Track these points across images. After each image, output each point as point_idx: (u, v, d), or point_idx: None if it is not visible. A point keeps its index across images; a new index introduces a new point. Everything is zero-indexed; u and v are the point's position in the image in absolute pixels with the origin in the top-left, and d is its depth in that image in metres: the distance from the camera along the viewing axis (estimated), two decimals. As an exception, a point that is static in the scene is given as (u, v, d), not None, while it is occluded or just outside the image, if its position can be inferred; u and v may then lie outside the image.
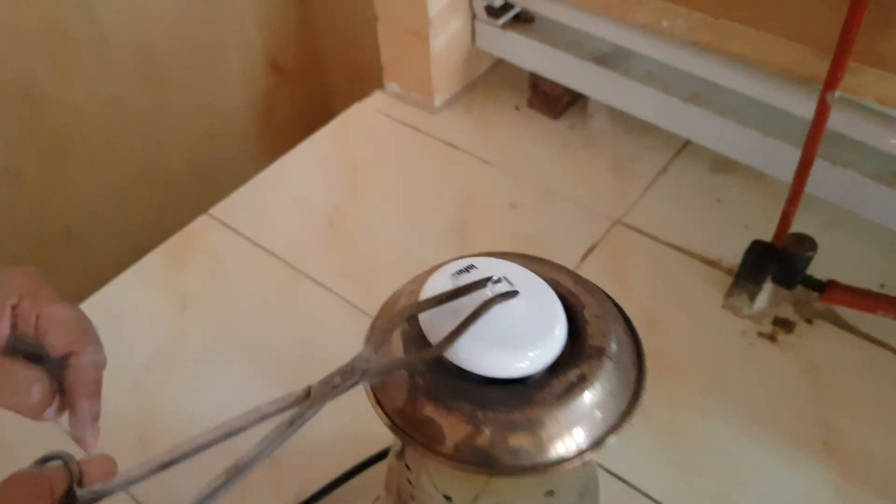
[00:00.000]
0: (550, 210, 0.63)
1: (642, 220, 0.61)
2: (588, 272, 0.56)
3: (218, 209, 0.65)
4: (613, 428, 0.28)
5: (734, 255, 0.56)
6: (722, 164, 0.65)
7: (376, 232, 0.63)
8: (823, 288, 0.50)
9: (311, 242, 0.62)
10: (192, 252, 0.62)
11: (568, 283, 0.31)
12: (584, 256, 0.59)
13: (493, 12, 0.67)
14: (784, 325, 0.54)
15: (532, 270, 0.30)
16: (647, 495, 0.46)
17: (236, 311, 0.58)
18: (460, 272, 0.30)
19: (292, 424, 0.27)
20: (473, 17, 0.68)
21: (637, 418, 0.28)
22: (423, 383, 0.28)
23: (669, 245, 0.59)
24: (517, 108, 0.72)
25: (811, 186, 0.50)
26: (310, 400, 0.27)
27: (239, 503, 0.31)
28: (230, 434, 0.27)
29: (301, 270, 0.60)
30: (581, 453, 0.27)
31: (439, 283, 0.29)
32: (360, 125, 0.73)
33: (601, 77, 0.63)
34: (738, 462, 0.47)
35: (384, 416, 0.28)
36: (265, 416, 0.27)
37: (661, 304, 0.55)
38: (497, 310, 0.28)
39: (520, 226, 0.62)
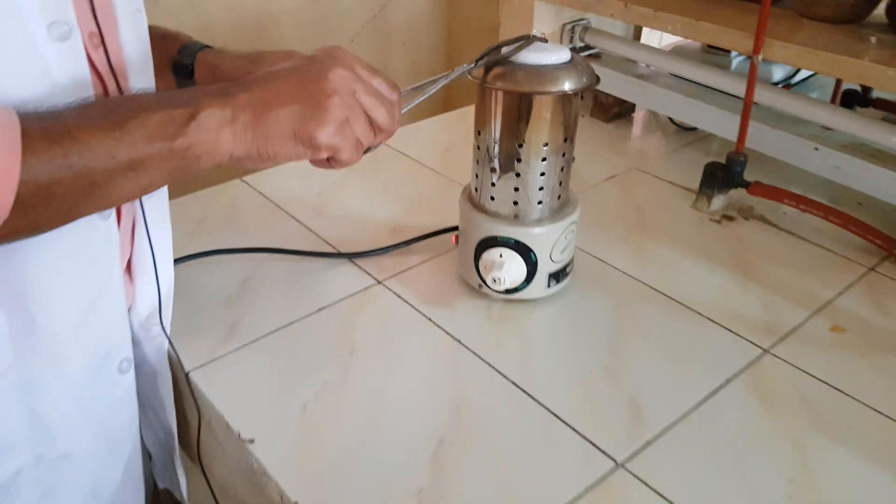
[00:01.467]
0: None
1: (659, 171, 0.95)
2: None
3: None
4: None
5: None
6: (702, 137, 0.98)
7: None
8: (748, 185, 0.81)
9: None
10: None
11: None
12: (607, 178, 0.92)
13: (577, 51, 1.06)
14: (728, 218, 0.84)
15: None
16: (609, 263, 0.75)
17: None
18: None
19: (447, 77, 0.61)
20: (563, 52, 1.07)
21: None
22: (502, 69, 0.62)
23: (670, 182, 0.92)
24: (582, 115, 1.08)
25: (753, 143, 0.83)
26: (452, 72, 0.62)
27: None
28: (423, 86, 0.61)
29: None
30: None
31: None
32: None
33: (636, 86, 0.99)
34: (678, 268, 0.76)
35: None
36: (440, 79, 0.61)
37: (656, 207, 0.87)
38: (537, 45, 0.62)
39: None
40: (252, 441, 0.56)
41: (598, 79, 0.62)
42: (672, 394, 0.60)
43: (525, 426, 0.58)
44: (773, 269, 0.76)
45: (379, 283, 0.74)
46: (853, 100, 0.99)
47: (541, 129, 0.62)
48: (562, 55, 0.61)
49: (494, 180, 0.65)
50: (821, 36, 0.79)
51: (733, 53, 1.02)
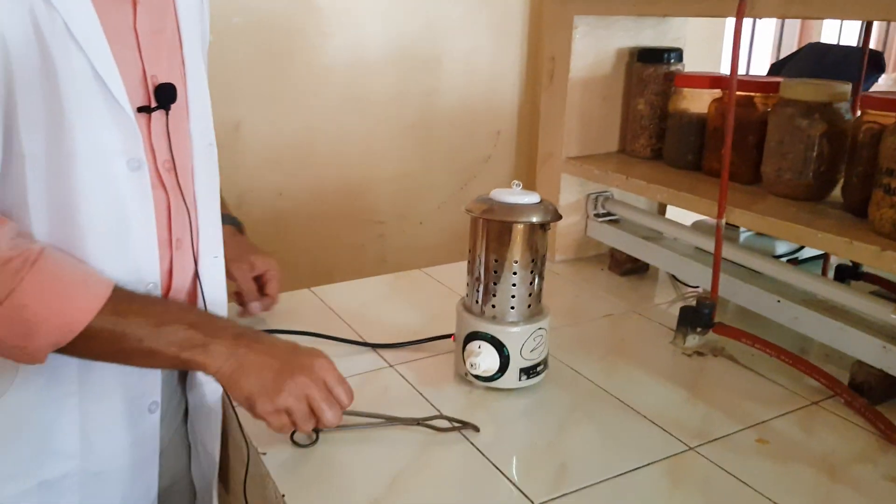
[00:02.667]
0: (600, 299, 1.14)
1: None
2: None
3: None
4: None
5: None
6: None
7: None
8: (714, 325, 0.95)
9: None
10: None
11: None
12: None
13: (599, 216, 1.25)
14: (699, 354, 0.97)
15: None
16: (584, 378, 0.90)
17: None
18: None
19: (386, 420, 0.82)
20: (587, 217, 1.27)
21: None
22: (489, 210, 0.83)
23: (659, 323, 1.06)
24: (601, 269, 1.26)
25: (729, 294, 0.98)
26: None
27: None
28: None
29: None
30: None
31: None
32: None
33: (644, 246, 1.16)
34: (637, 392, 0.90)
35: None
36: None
37: (639, 340, 1.01)
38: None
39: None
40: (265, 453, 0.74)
41: (558, 216, 0.82)
42: (597, 465, 0.73)
43: (470, 474, 0.72)
44: (723, 393, 0.88)
45: (390, 366, 0.92)
46: (846, 274, 1.12)
47: (512, 250, 0.82)
48: (533, 198, 0.82)
49: (478, 288, 0.84)
50: (779, 208, 0.95)
51: (741, 229, 1.19)
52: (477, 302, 0.85)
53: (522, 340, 0.84)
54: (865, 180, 0.89)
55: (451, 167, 1.96)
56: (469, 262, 0.86)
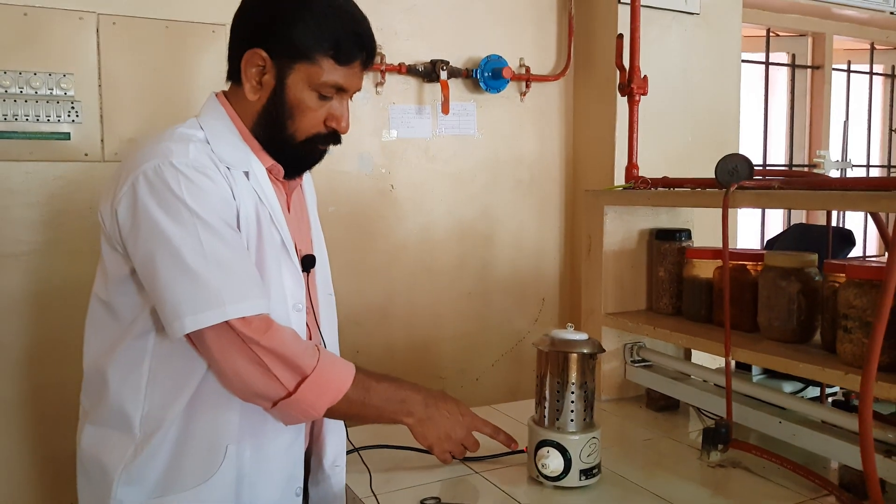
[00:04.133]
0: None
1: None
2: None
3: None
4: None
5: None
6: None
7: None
8: (730, 441, 1.20)
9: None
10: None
11: (598, 349, 1.15)
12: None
13: (635, 362, 1.53)
14: (722, 467, 1.21)
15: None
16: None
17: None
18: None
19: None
20: (625, 363, 1.55)
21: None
22: (551, 347, 1.13)
23: (689, 446, 1.31)
24: (640, 406, 1.52)
25: (741, 419, 1.24)
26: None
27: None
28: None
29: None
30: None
31: (563, 335, 1.16)
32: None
33: (674, 385, 1.43)
34: None
35: (540, 355, 1.14)
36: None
37: (673, 456, 1.26)
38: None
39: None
40: (389, 526, 1.00)
41: (602, 349, 1.12)
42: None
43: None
44: (742, 492, 1.12)
45: (476, 473, 1.18)
46: (840, 406, 1.37)
47: (570, 374, 1.11)
48: (583, 336, 1.13)
49: (545, 405, 1.13)
50: (773, 348, 1.24)
51: (753, 371, 1.47)
52: (544, 417, 1.13)
53: (581, 446, 1.10)
54: (832, 324, 1.18)
55: (504, 330, 2.28)
56: (538, 385, 1.15)
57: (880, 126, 3.19)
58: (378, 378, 1.09)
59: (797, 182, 1.27)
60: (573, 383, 1.12)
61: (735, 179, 1.25)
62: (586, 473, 1.11)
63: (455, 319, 2.19)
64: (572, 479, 1.10)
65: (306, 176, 1.18)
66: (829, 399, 1.40)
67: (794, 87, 2.83)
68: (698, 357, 1.68)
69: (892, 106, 3.15)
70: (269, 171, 1.07)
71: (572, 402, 1.11)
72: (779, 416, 1.23)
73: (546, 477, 1.11)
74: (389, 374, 1.12)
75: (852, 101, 3.00)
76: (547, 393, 1.13)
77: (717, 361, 1.45)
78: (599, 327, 1.53)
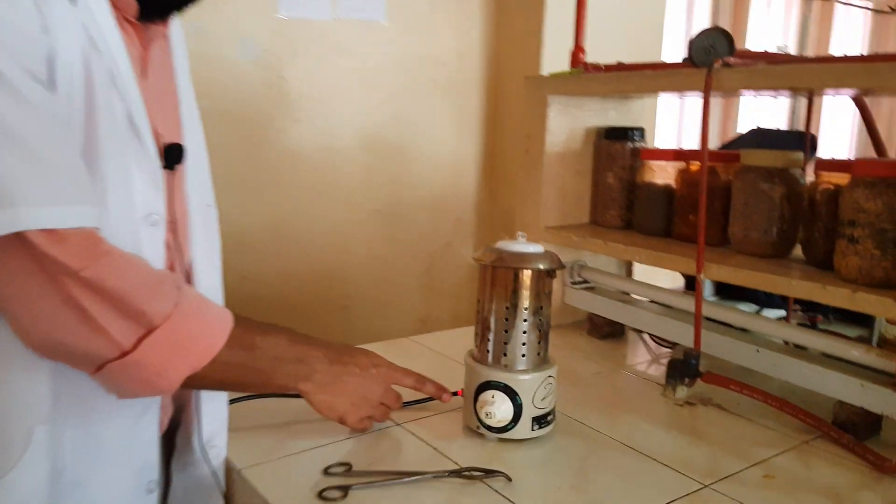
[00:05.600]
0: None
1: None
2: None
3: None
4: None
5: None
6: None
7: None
8: (702, 374, 1.00)
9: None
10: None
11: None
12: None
13: (576, 284, 1.32)
14: (690, 404, 1.02)
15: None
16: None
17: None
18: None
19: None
20: (564, 285, 1.33)
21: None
22: (497, 264, 0.88)
23: (646, 379, 1.11)
24: (581, 333, 1.31)
25: (711, 350, 1.04)
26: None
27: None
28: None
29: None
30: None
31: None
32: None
33: (622, 309, 1.22)
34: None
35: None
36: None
37: (633, 394, 1.05)
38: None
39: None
40: (286, 506, 0.73)
41: (562, 265, 0.87)
42: None
43: (499, 513, 0.73)
44: (720, 436, 0.92)
45: (398, 424, 0.93)
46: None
47: (522, 297, 0.86)
48: (538, 248, 0.87)
49: (489, 337, 0.88)
50: (751, 263, 1.03)
51: (706, 291, 1.28)
52: (487, 352, 0.88)
53: (534, 388, 0.87)
54: (827, 235, 0.99)
55: (416, 253, 2.01)
56: (478, 312, 0.90)
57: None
58: (264, 330, 0.79)
59: (781, 61, 1.05)
60: (526, 309, 0.87)
61: (713, 59, 1.01)
62: (539, 421, 0.88)
63: (361, 241, 1.91)
64: (523, 429, 0.87)
65: (175, 27, 0.81)
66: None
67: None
68: (641, 277, 1.48)
69: None
70: (114, 4, 0.69)
71: (524, 332, 0.87)
72: (754, 344, 1.04)
73: (490, 428, 0.87)
74: (277, 325, 0.82)
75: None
76: (492, 322, 0.88)
77: (658, 281, 1.25)
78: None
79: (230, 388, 0.82)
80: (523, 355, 0.87)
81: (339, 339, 1.91)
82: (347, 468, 0.81)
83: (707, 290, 1.31)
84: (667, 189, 1.21)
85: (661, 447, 0.89)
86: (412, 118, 1.91)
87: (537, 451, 0.87)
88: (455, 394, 0.95)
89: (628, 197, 1.28)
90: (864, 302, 0.87)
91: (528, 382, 0.86)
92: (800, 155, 1.06)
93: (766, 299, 1.31)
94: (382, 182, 1.91)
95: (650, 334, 1.26)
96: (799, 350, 1.01)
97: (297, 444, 0.87)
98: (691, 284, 1.33)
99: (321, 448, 0.86)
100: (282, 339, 0.81)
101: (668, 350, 1.25)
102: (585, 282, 1.33)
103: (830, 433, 0.91)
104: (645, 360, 1.22)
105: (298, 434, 0.89)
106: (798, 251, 1.07)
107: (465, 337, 1.29)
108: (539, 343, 0.88)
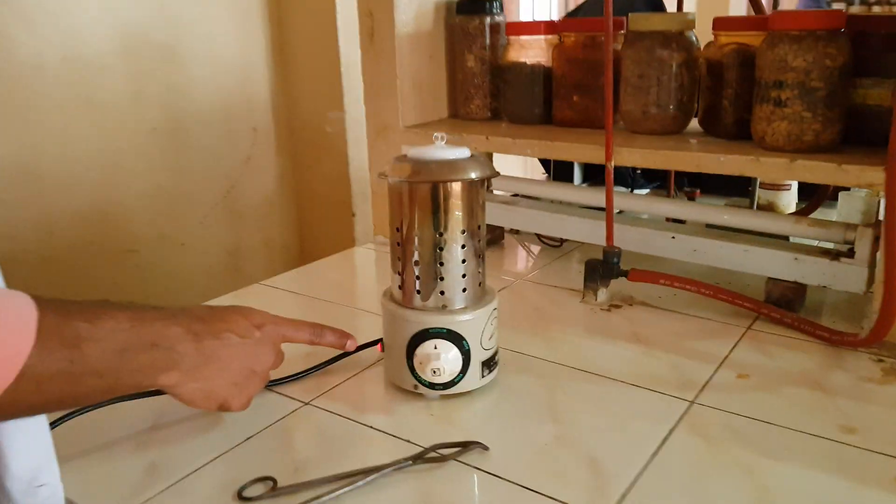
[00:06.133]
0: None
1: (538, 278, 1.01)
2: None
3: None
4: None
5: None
6: (567, 251, 1.08)
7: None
8: (627, 273, 0.89)
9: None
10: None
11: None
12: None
13: (441, 189, 1.14)
14: (616, 307, 0.91)
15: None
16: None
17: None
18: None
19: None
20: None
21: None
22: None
23: (555, 286, 0.98)
24: (457, 246, 1.15)
25: (619, 242, 0.93)
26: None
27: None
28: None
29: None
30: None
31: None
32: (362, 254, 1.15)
33: (504, 211, 1.08)
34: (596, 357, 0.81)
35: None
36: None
37: (552, 306, 0.92)
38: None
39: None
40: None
41: (496, 171, 0.69)
42: (626, 450, 0.62)
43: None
44: (668, 338, 0.83)
45: (306, 404, 0.70)
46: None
47: (456, 217, 0.66)
48: (463, 152, 0.67)
49: (417, 274, 0.67)
50: (654, 143, 0.92)
51: (576, 179, 1.17)
52: (417, 292, 0.68)
53: (481, 328, 0.69)
54: (736, 101, 0.90)
55: (210, 175, 1.69)
56: (397, 244, 0.68)
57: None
58: (92, 313, 0.52)
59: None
60: (463, 232, 0.67)
61: None
62: (488, 365, 0.71)
63: (140, 169, 1.53)
64: (472, 378, 0.69)
65: None
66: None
67: None
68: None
69: None
70: None
71: (462, 261, 0.68)
72: (669, 230, 0.95)
73: (432, 385, 0.68)
74: (109, 301, 0.55)
75: None
76: (417, 254, 0.68)
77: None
78: (398, 147, 1.08)
79: (57, 407, 0.53)
80: (464, 290, 0.68)
81: (133, 292, 1.57)
82: (271, 485, 0.58)
83: (577, 177, 1.20)
84: (540, 69, 1.06)
85: (618, 364, 0.76)
86: (181, 14, 1.54)
87: (491, 401, 0.70)
88: (366, 346, 0.75)
89: (493, 83, 1.11)
90: (803, 170, 0.80)
91: (473, 322, 0.68)
92: (693, 15, 0.95)
93: (632, 181, 1.24)
94: (155, 94, 1.53)
95: (538, 235, 1.13)
96: (720, 230, 0.93)
97: (175, 461, 0.61)
98: (560, 174, 1.22)
99: (216, 461, 0.61)
100: (121, 320, 0.53)
101: (556, 249, 1.13)
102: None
103: (772, 314, 0.85)
104: (539, 265, 1.09)
105: (170, 443, 0.63)
106: (692, 124, 0.99)
107: (332, 271, 1.08)
108: (480, 272, 0.70)
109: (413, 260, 0.67)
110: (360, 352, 0.77)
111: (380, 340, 0.73)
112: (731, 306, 0.88)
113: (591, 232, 1.00)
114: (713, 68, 0.93)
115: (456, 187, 0.66)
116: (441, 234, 0.66)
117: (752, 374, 0.74)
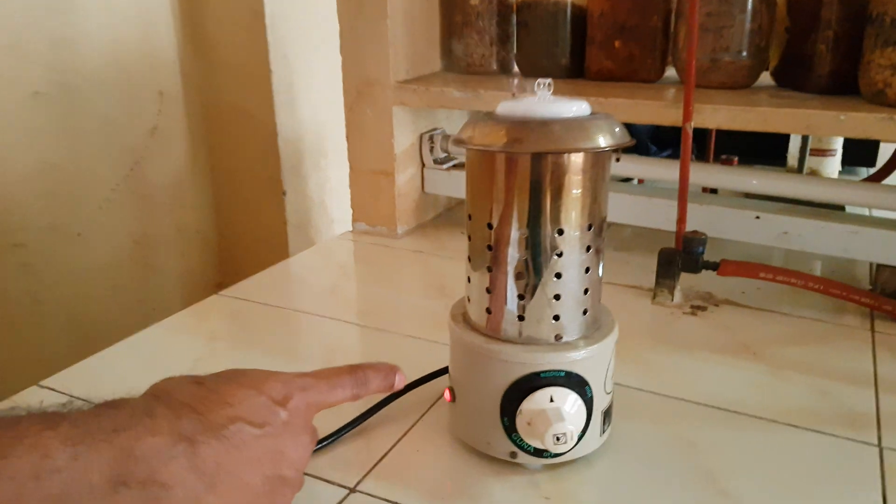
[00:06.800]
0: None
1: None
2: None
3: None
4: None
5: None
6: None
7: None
8: (717, 266, 0.70)
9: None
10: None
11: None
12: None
13: (439, 161, 0.91)
14: (700, 308, 0.72)
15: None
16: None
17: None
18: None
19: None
20: (423, 166, 0.91)
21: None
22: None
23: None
24: (462, 233, 0.93)
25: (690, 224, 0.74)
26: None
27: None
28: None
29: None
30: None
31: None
32: (339, 247, 0.90)
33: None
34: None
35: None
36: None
37: (621, 312, 0.72)
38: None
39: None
40: None
41: (630, 139, 0.47)
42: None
43: None
44: (784, 350, 0.64)
45: (352, 490, 0.47)
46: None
47: (581, 206, 0.44)
48: (581, 105, 0.45)
49: (522, 290, 0.45)
50: (736, 98, 0.73)
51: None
52: (520, 318, 0.46)
53: (606, 365, 0.47)
54: (838, 46, 0.72)
55: (110, 149, 1.37)
56: (488, 248, 0.45)
57: None
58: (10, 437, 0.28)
59: None
60: (589, 227, 0.45)
61: None
62: (606, 417, 0.50)
63: (20, 143, 1.21)
64: (591, 437, 0.48)
65: None
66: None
67: None
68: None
69: None
70: None
71: (586, 271, 0.46)
72: (751, 209, 0.76)
73: (544, 453, 0.47)
74: (31, 414, 0.30)
75: None
76: (524, 260, 0.45)
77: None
78: (389, 111, 0.84)
79: None
80: (585, 311, 0.46)
81: (19, 295, 1.25)
82: None
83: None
84: (567, 6, 0.84)
85: (751, 393, 0.57)
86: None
87: (614, 466, 0.49)
88: (416, 385, 0.52)
89: (502, 25, 0.88)
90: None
91: (597, 359, 0.47)
92: (772, -63, 0.76)
93: (650, 147, 1.06)
94: (35, 50, 1.20)
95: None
96: (818, 209, 0.76)
97: None
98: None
99: None
100: (51, 447, 0.29)
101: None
102: (450, 158, 0.93)
103: (885, 306, 0.68)
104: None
105: None
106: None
107: (311, 273, 0.80)
108: (598, 281, 0.48)
109: (515, 270, 0.45)
110: (407, 393, 0.54)
111: (448, 389, 0.50)
112: (833, 303, 0.71)
113: (642, 211, 0.80)
114: (799, 5, 0.74)
115: (582, 161, 0.43)
116: (561, 233, 0.44)
117: (922, 398, 0.57)
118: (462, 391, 0.49)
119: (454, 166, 0.92)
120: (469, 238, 0.47)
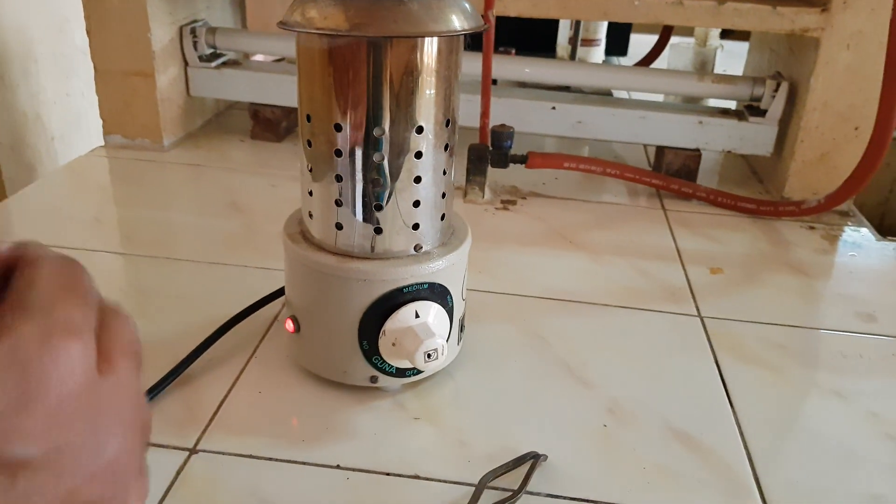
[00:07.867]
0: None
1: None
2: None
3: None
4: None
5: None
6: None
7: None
8: (526, 159, 0.70)
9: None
10: None
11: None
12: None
13: (206, 59, 0.78)
14: (510, 202, 0.71)
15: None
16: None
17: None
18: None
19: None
20: (186, 65, 0.78)
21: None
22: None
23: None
24: (242, 140, 0.82)
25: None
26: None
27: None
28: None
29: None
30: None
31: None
32: (93, 167, 0.75)
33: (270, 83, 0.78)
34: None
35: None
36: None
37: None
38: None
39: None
40: None
41: (485, 24, 0.42)
42: (702, 406, 0.45)
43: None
44: (597, 235, 0.66)
45: (192, 451, 0.39)
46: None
47: (443, 98, 0.39)
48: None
49: (378, 198, 0.39)
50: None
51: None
52: (377, 230, 0.40)
53: (462, 272, 0.44)
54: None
55: None
56: (336, 153, 0.38)
57: None
58: None
59: None
60: (447, 124, 0.40)
61: None
62: (461, 324, 0.47)
63: None
64: (451, 348, 0.45)
65: None
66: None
67: None
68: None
69: None
70: None
71: (443, 173, 0.41)
72: (547, 101, 0.76)
73: (407, 372, 0.42)
74: None
75: None
76: (380, 164, 0.38)
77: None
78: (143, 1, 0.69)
79: None
80: (443, 216, 0.42)
81: None
82: None
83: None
84: None
85: (581, 281, 0.58)
86: None
87: (475, 373, 0.47)
88: (233, 323, 0.45)
89: None
90: (733, 14, 0.66)
91: (456, 268, 0.43)
92: None
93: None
94: None
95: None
96: (608, 97, 0.77)
97: None
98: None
99: None
100: None
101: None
102: (219, 54, 0.80)
103: (683, 189, 0.73)
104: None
105: None
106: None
107: (63, 201, 0.64)
108: (448, 177, 0.43)
109: (369, 176, 0.39)
110: (231, 330, 0.46)
111: (289, 318, 0.44)
112: (624, 186, 0.75)
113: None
114: None
115: (443, 46, 0.38)
116: (421, 130, 0.38)
117: (722, 267, 0.62)
118: (309, 319, 0.42)
119: (224, 64, 0.80)
120: (308, 144, 0.39)
